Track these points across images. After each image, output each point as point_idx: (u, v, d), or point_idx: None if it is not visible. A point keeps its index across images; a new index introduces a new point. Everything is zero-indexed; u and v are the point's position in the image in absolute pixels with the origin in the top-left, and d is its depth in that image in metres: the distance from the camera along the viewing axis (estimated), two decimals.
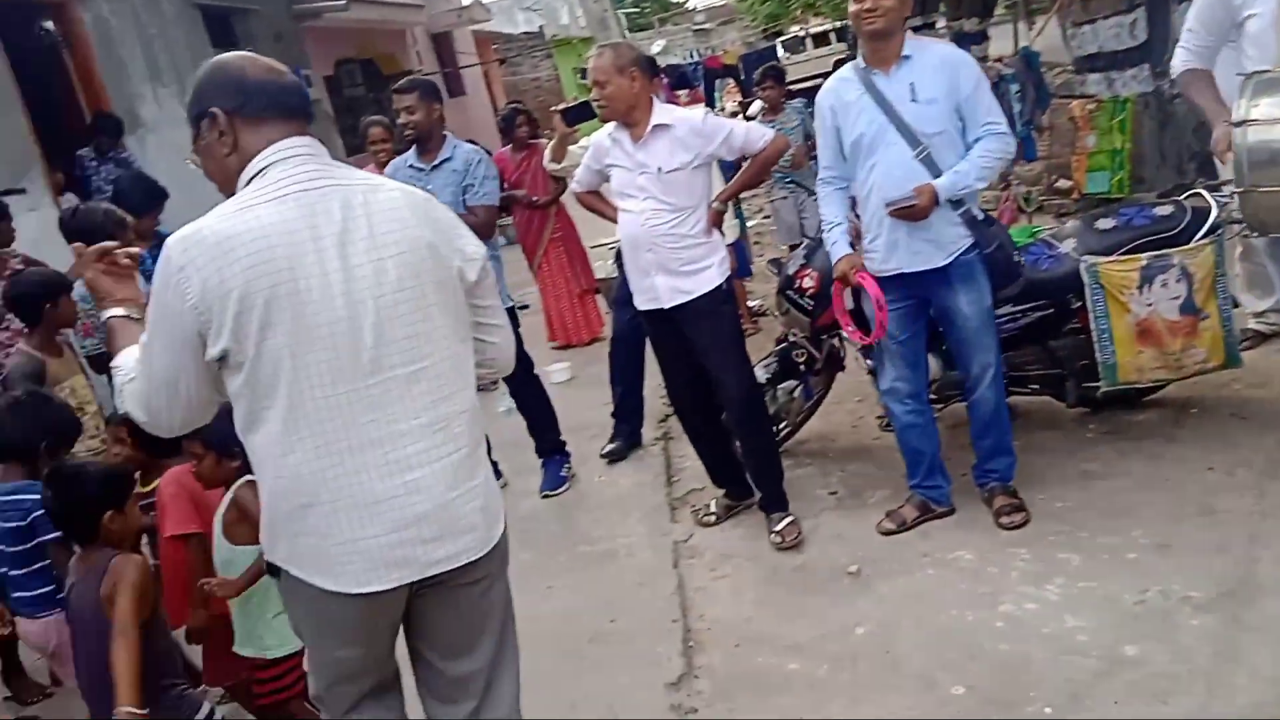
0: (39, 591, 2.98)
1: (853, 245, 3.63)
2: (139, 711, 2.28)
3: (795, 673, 3.08)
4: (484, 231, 4.51)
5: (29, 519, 2.88)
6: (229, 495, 2.78)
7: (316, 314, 1.85)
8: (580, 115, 4.62)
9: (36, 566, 2.97)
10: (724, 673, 3.16)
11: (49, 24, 7.95)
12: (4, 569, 2.99)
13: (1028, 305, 3.93)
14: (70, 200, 7.26)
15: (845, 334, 3.78)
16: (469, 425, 2.04)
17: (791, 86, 7.70)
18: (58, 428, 3.09)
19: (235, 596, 2.72)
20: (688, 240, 3.76)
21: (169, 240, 1.87)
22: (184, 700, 2.57)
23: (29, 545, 2.93)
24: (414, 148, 4.58)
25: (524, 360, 4.76)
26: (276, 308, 1.83)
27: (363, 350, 1.89)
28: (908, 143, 3.39)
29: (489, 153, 5.30)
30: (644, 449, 5.07)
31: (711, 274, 3.80)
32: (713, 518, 4.14)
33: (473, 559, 2.02)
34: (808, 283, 4.12)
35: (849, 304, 3.87)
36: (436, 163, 4.51)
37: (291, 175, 1.90)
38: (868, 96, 3.44)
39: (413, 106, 4.44)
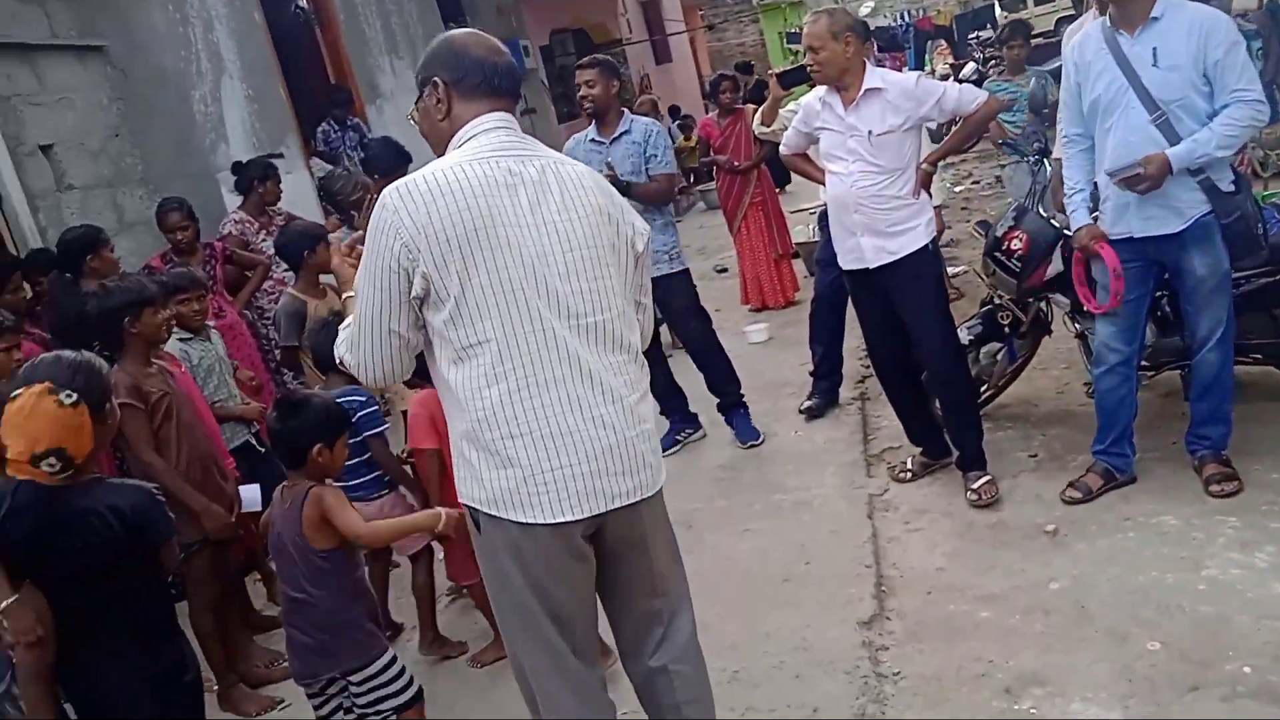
0: (368, 478, 3.40)
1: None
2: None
3: (986, 620, 3.17)
4: (666, 197, 4.81)
5: (356, 418, 3.24)
6: None
7: (512, 262, 2.04)
8: (795, 79, 4.73)
9: (364, 458, 3.36)
10: (915, 616, 3.28)
11: (303, 2, 8.72)
12: None
13: (1255, 270, 3.78)
14: (319, 165, 8.01)
15: (1085, 306, 3.74)
16: (639, 374, 2.21)
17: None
18: None
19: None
20: (895, 202, 3.84)
21: (385, 190, 2.09)
22: (373, 640, 2.75)
23: (356, 440, 3.26)
24: (593, 123, 4.84)
25: (702, 315, 4.98)
26: (477, 251, 2.01)
27: (552, 298, 2.07)
28: (1145, 107, 3.34)
29: (694, 119, 5.53)
30: (840, 408, 5.18)
31: (918, 234, 3.87)
32: (908, 474, 4.23)
33: (647, 495, 2.19)
34: (1015, 245, 4.10)
35: (1058, 264, 3.86)
36: (615, 136, 4.76)
37: (494, 143, 2.12)
38: (1109, 57, 3.40)
39: (592, 81, 4.70)
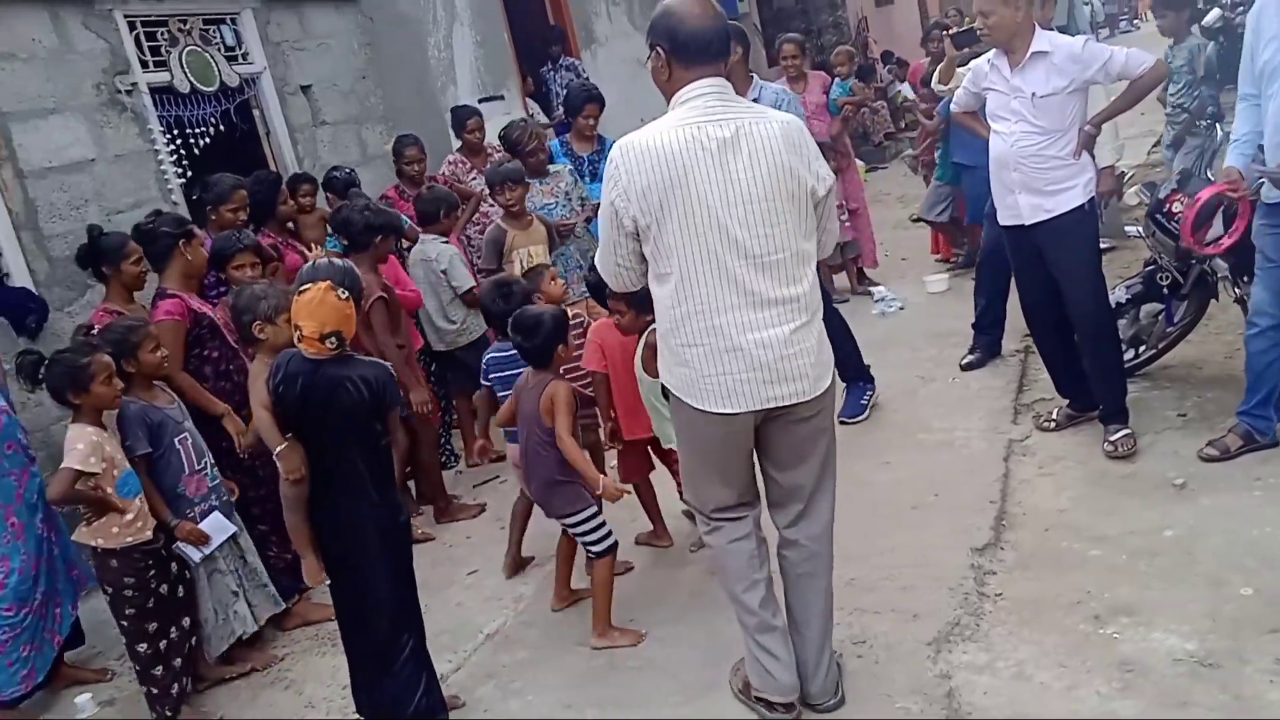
0: None
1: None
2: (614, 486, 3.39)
3: (1094, 558, 3.41)
4: None
5: None
6: (643, 339, 3.59)
7: (701, 208, 2.54)
8: (969, 39, 4.89)
9: None
10: (1028, 549, 3.56)
11: None
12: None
13: None
14: (534, 107, 8.69)
15: (1184, 242, 3.87)
16: (807, 303, 2.66)
17: None
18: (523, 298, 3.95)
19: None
20: (1054, 161, 4.01)
21: (614, 147, 2.65)
22: (581, 499, 3.45)
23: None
24: None
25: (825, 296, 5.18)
26: (672, 199, 2.54)
27: (732, 241, 2.55)
28: None
29: (906, 63, 5.73)
30: (1002, 359, 5.36)
31: (1075, 194, 4.03)
32: (1052, 424, 4.43)
33: (800, 400, 2.68)
34: (1177, 207, 4.18)
35: (1218, 229, 3.94)
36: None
37: (700, 107, 2.59)
38: None
39: None
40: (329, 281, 2.80)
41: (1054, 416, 4.45)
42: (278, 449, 2.88)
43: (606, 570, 3.42)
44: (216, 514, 3.60)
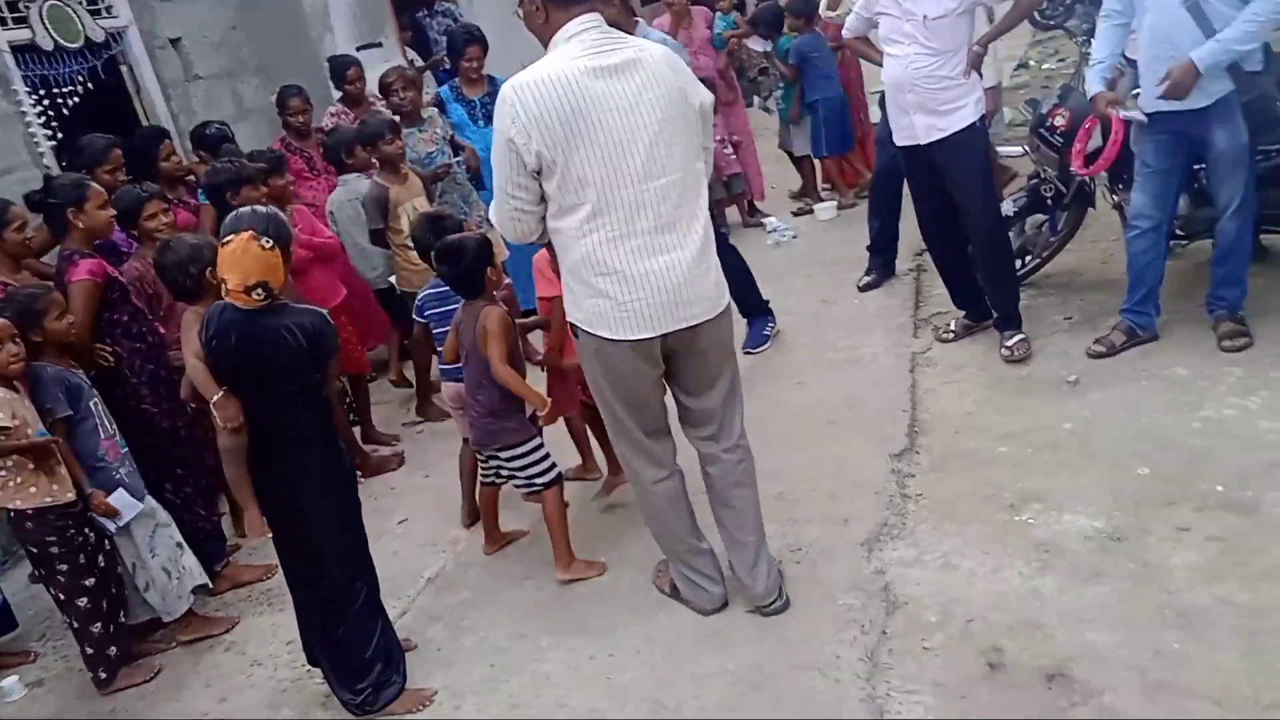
0: None
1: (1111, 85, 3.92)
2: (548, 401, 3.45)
3: (1002, 454, 3.64)
4: None
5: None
6: None
7: (606, 137, 2.59)
8: None
9: None
10: (941, 451, 3.77)
11: None
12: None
13: (1276, 146, 4.04)
14: (412, 54, 8.48)
15: (1072, 167, 4.11)
16: (704, 224, 2.76)
17: None
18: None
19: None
20: (946, 82, 4.17)
21: (504, 85, 2.65)
22: (524, 429, 3.50)
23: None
24: None
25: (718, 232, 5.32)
26: (576, 130, 2.57)
27: (638, 165, 2.62)
28: None
29: None
30: (897, 278, 5.58)
31: (966, 113, 4.20)
32: (951, 335, 4.65)
33: (707, 318, 2.78)
34: (1059, 121, 4.41)
35: (1098, 140, 4.18)
36: None
37: (586, 41, 2.64)
38: None
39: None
40: (251, 231, 2.74)
41: (952, 328, 4.68)
42: (214, 398, 2.83)
43: (557, 502, 3.46)
44: (122, 491, 3.46)
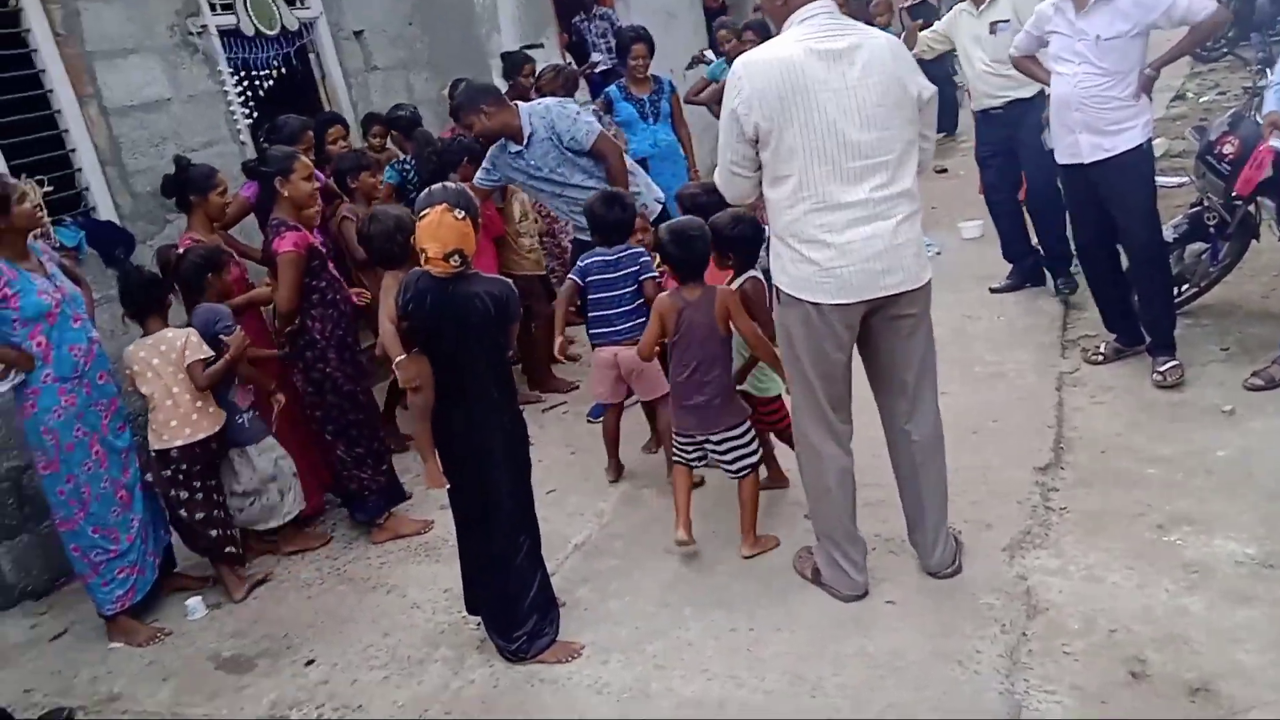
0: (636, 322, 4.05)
1: None
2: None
3: (1152, 476, 3.63)
4: None
5: (638, 263, 4.03)
6: (737, 283, 3.66)
7: (820, 116, 2.82)
8: (924, 12, 5.14)
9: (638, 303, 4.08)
10: (1087, 468, 3.78)
11: None
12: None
13: None
14: (569, 59, 8.79)
15: (1235, 191, 4.07)
16: (910, 201, 2.94)
17: None
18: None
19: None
20: (1115, 102, 4.18)
21: (736, 61, 2.96)
22: (742, 411, 3.61)
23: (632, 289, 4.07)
24: None
25: None
26: (793, 106, 2.82)
27: (848, 143, 2.83)
28: None
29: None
30: (1044, 298, 5.56)
31: (1134, 134, 4.21)
32: (1100, 357, 4.63)
33: (908, 289, 2.95)
34: (1228, 149, 4.35)
35: (1269, 171, 4.12)
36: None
37: (815, 26, 2.89)
38: None
39: None
40: (445, 204, 2.97)
41: (1101, 350, 4.66)
42: (397, 359, 3.08)
43: (754, 484, 3.60)
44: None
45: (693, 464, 3.70)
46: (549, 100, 4.92)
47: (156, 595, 3.99)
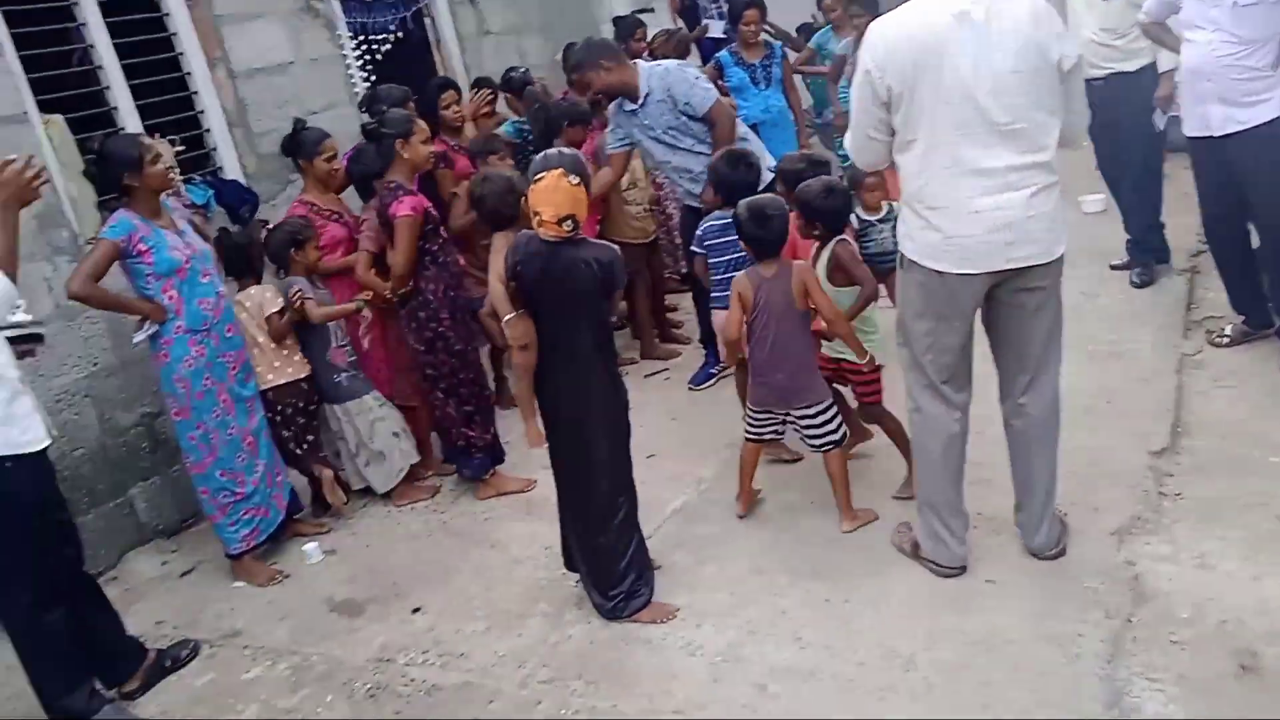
0: None
1: None
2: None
3: (1275, 465, 3.49)
4: None
5: None
6: (827, 251, 3.68)
7: (952, 77, 2.74)
8: None
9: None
10: (1205, 454, 3.65)
11: None
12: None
13: None
14: (679, 23, 8.75)
15: None
16: (1045, 173, 2.83)
17: None
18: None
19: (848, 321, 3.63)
20: (1251, 72, 3.98)
21: (871, 25, 2.92)
22: (823, 389, 3.60)
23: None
24: None
25: None
26: (924, 68, 2.75)
27: (979, 109, 2.74)
28: None
29: None
30: (1169, 277, 5.34)
31: (1270, 106, 4.00)
32: (1226, 340, 4.45)
33: (1036, 263, 2.86)
34: None
35: None
36: None
37: None
38: None
39: None
40: (561, 169, 3.02)
41: (1227, 332, 4.47)
42: (507, 318, 3.17)
43: (842, 460, 3.59)
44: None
45: (761, 437, 3.70)
46: (670, 62, 4.93)
47: (279, 539, 4.20)
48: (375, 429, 4.34)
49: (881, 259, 4.52)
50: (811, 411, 3.54)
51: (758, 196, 3.63)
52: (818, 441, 3.57)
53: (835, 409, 3.59)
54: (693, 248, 4.16)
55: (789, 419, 3.61)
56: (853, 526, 3.56)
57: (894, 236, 4.24)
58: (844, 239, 3.66)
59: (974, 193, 2.80)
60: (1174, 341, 4.60)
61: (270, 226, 4.40)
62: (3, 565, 3.00)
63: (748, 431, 3.72)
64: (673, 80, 4.66)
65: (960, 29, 2.73)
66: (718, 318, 4.15)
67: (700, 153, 4.62)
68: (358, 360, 4.43)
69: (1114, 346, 4.64)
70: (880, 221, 4.47)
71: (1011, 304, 2.98)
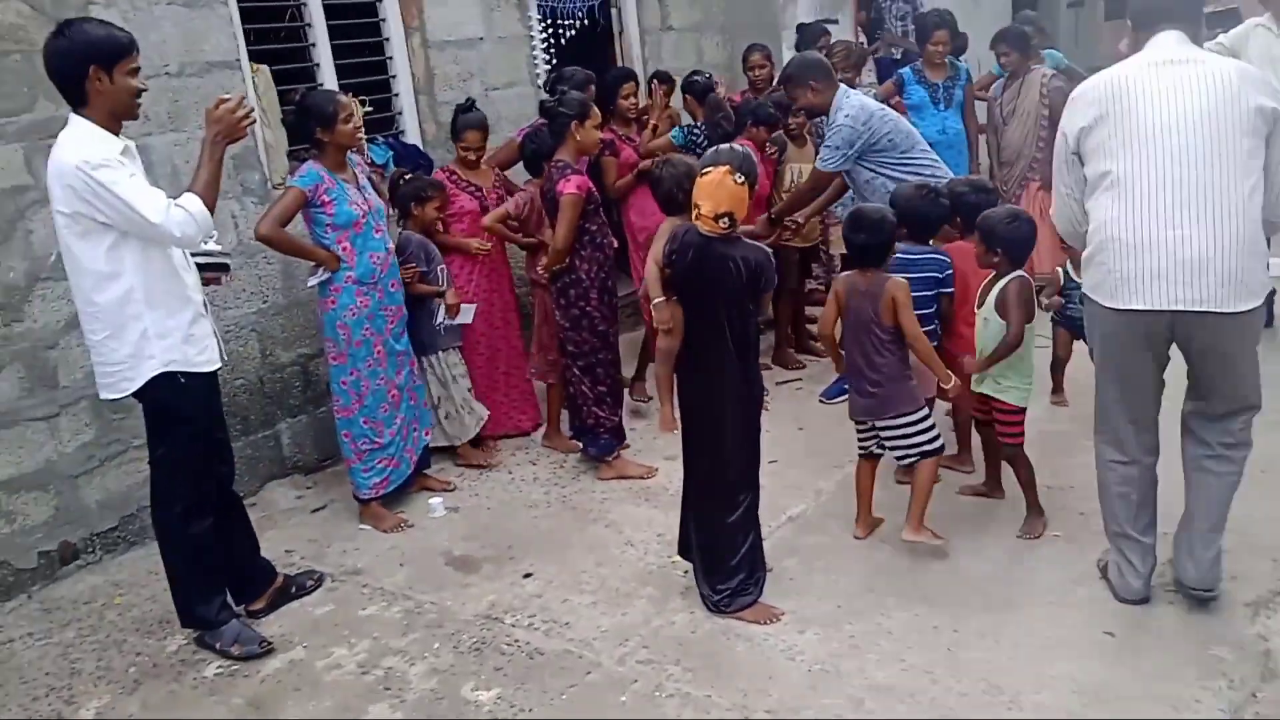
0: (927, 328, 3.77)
1: None
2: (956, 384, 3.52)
3: None
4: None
5: (943, 275, 3.89)
6: (1002, 282, 3.57)
7: (1140, 118, 2.81)
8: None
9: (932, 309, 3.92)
10: None
11: None
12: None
13: None
14: (862, 37, 8.68)
15: None
16: (1240, 222, 2.75)
17: None
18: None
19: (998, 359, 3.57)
20: None
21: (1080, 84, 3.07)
22: (914, 399, 3.56)
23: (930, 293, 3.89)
24: None
25: None
26: (1114, 106, 2.86)
27: (1169, 148, 2.77)
28: None
29: None
30: None
31: None
32: None
33: (1212, 310, 2.77)
34: None
35: None
36: None
37: (1156, 48, 2.92)
38: None
39: None
40: (729, 166, 3.08)
41: None
42: (656, 301, 3.24)
43: (931, 470, 3.56)
44: (472, 307, 4.64)
45: (870, 451, 3.69)
46: (861, 97, 4.87)
47: (406, 490, 4.40)
48: (456, 385, 4.63)
49: (1079, 320, 4.43)
50: (897, 423, 3.53)
51: (865, 204, 3.64)
52: (899, 453, 3.58)
53: (929, 419, 3.56)
54: None
55: (878, 431, 3.60)
56: (914, 538, 3.53)
57: None
58: (1022, 275, 3.58)
59: (1156, 224, 2.84)
60: None
61: (407, 177, 4.61)
62: (163, 471, 3.26)
63: (859, 448, 3.74)
64: (836, 117, 4.59)
65: (1155, 74, 2.85)
66: None
67: (888, 175, 4.55)
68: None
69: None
70: None
71: (1197, 345, 2.95)
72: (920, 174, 4.40)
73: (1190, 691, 2.76)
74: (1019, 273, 3.56)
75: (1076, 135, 2.93)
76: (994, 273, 3.61)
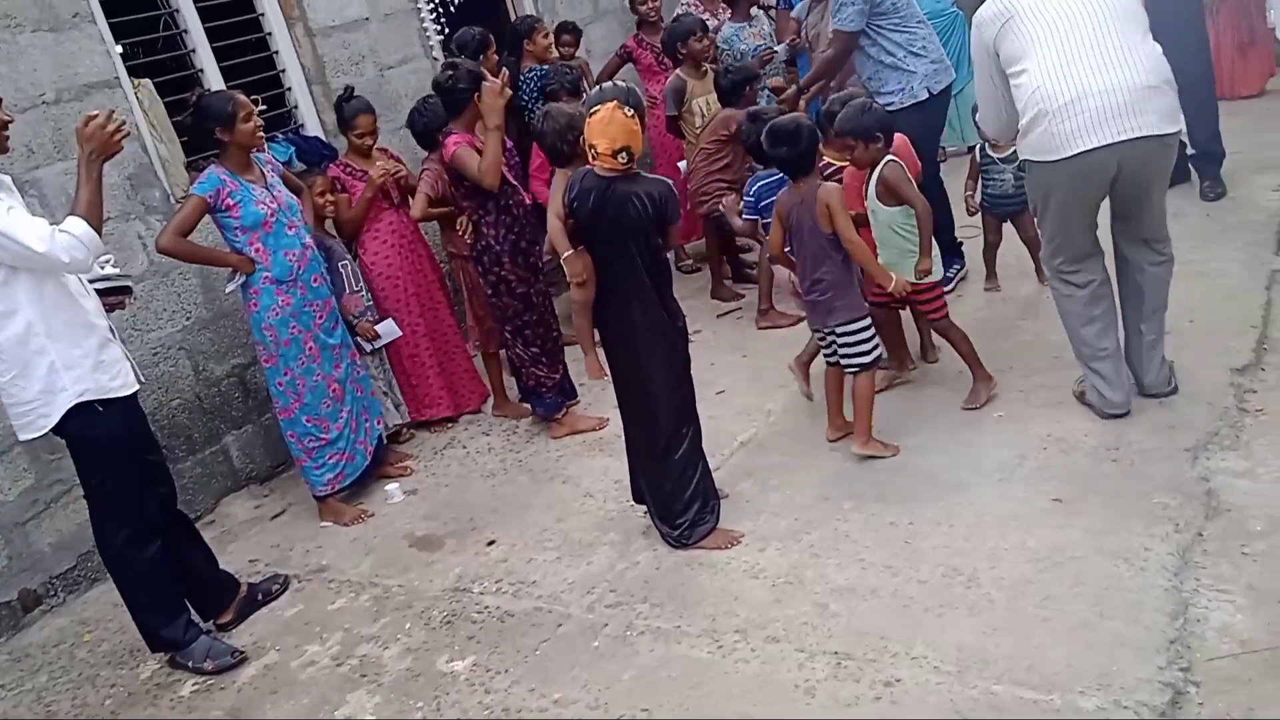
0: None
1: None
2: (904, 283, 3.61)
3: None
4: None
5: None
6: (876, 173, 3.67)
7: (1043, 13, 3.17)
8: None
9: None
10: None
11: None
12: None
13: None
14: None
15: None
16: (1149, 58, 3.17)
17: None
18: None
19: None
20: None
21: None
22: (858, 306, 3.59)
23: None
24: None
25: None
26: (1020, 17, 3.20)
27: (1074, 26, 3.14)
28: None
29: None
30: (1249, 189, 5.13)
31: None
32: None
33: (1154, 133, 3.11)
34: None
35: None
36: None
37: None
38: None
39: None
40: (615, 101, 3.05)
41: None
42: (564, 254, 3.22)
43: (869, 382, 3.59)
44: (389, 321, 4.56)
45: (836, 360, 3.71)
46: None
47: (365, 482, 4.38)
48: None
49: (1003, 201, 4.49)
50: (847, 330, 3.57)
51: (780, 117, 3.65)
52: (845, 362, 3.61)
53: (870, 330, 3.59)
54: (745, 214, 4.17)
55: (833, 337, 3.63)
56: (863, 452, 3.58)
57: (1016, 180, 4.25)
58: (892, 159, 3.64)
59: (1084, 78, 3.15)
60: (1264, 258, 4.41)
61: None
62: (99, 502, 3.21)
63: (824, 357, 3.78)
64: None
65: None
66: (780, 276, 4.15)
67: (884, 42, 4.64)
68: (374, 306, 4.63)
69: (1201, 265, 4.43)
70: (1004, 161, 4.43)
71: (1130, 173, 3.25)
72: (913, 48, 4.57)
73: (1139, 541, 2.82)
74: (888, 157, 3.63)
75: (993, 40, 3.25)
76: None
